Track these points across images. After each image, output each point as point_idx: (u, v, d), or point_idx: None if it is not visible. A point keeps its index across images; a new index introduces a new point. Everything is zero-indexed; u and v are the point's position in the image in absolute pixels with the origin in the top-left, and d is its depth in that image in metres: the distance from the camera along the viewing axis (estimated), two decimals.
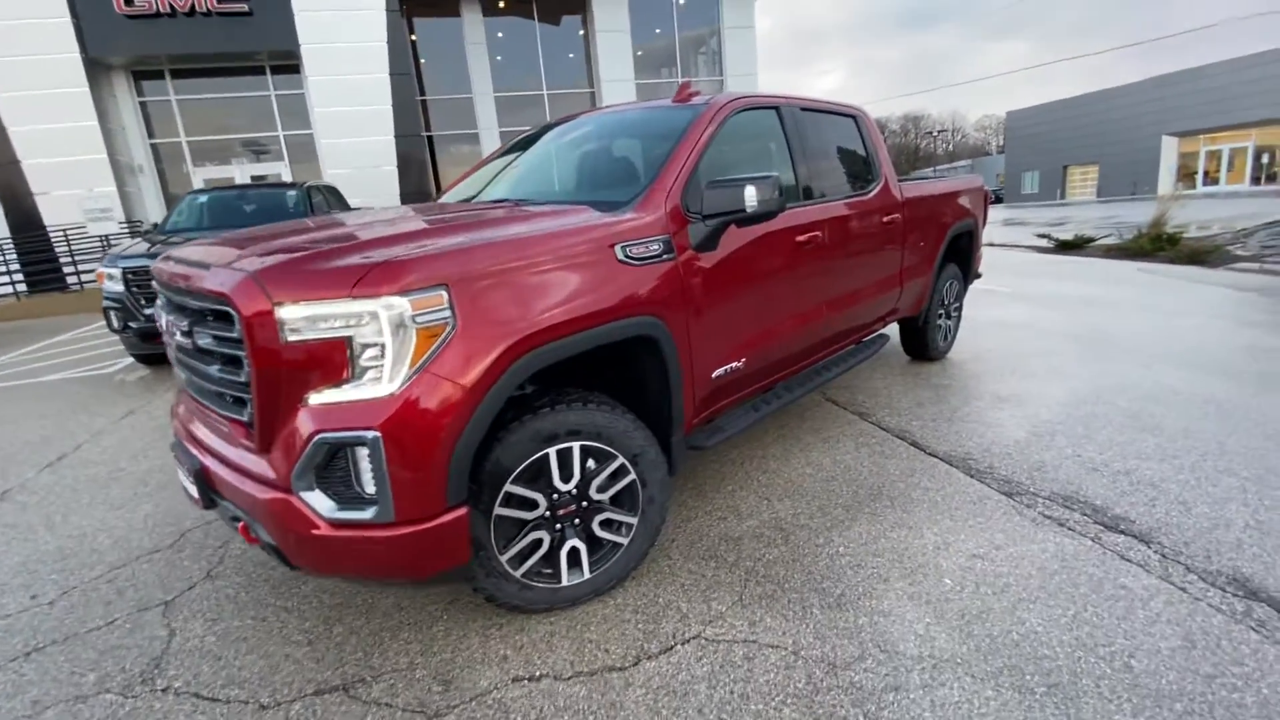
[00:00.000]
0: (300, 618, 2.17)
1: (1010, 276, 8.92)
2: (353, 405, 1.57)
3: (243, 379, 1.64)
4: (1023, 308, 6.61)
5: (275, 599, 2.29)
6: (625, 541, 2.13)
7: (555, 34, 17.68)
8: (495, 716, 1.69)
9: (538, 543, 1.97)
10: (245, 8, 13.35)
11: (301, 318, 1.54)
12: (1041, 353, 4.85)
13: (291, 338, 1.54)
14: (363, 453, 1.56)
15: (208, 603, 2.29)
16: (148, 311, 5.48)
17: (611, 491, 2.07)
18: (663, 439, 2.27)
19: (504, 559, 1.90)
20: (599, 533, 2.08)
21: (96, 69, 13.29)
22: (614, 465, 2.04)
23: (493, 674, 1.85)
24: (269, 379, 1.58)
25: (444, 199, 3.35)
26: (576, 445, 1.94)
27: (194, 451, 1.96)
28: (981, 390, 4.08)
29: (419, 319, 1.57)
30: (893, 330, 4.47)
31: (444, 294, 1.61)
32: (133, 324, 5.64)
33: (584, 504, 2.03)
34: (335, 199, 8.77)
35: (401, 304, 1.55)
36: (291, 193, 7.55)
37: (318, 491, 1.61)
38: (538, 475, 1.92)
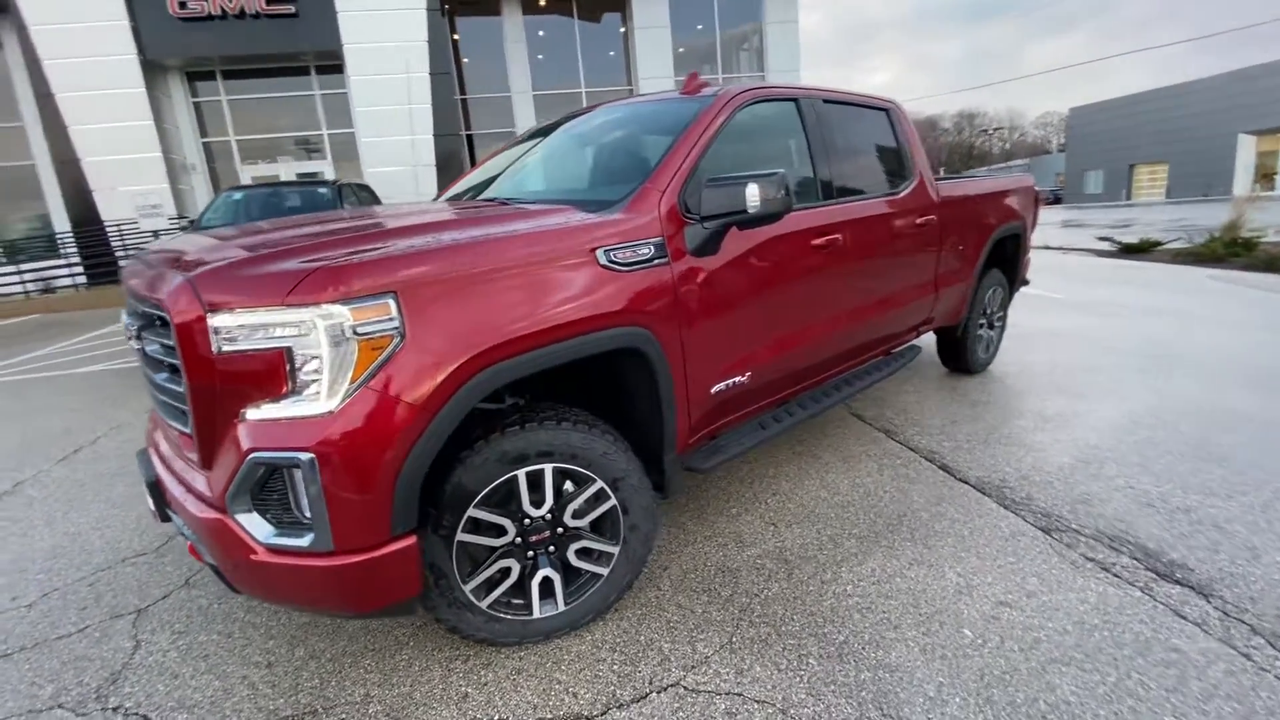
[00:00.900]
0: (266, 635, 2.07)
1: (1065, 281, 8.37)
2: (290, 423, 1.43)
3: (182, 389, 1.52)
4: (1077, 316, 6.14)
5: (245, 613, 2.19)
6: (605, 571, 1.95)
7: (595, 31, 17.61)
8: None
9: (506, 571, 1.81)
10: (292, 9, 13.68)
11: (236, 326, 1.40)
12: (1095, 368, 4.44)
13: (226, 348, 1.41)
14: (298, 475, 1.43)
15: (179, 613, 2.22)
16: None
17: (590, 518, 1.90)
18: (654, 459, 2.08)
19: (467, 588, 1.75)
20: (575, 562, 1.90)
21: (152, 70, 13.82)
22: (593, 489, 1.86)
23: (449, 715, 1.69)
24: (204, 391, 1.45)
25: (446, 196, 3.23)
26: (549, 468, 1.77)
27: (154, 462, 1.87)
28: (1024, 408, 3.74)
29: (361, 330, 1.42)
30: (928, 340, 4.17)
31: (391, 303, 1.45)
32: None
33: (559, 530, 1.86)
34: (368, 196, 8.85)
35: (342, 313, 1.40)
36: (323, 190, 7.63)
37: (254, 514, 1.49)
38: (506, 499, 1.75)
